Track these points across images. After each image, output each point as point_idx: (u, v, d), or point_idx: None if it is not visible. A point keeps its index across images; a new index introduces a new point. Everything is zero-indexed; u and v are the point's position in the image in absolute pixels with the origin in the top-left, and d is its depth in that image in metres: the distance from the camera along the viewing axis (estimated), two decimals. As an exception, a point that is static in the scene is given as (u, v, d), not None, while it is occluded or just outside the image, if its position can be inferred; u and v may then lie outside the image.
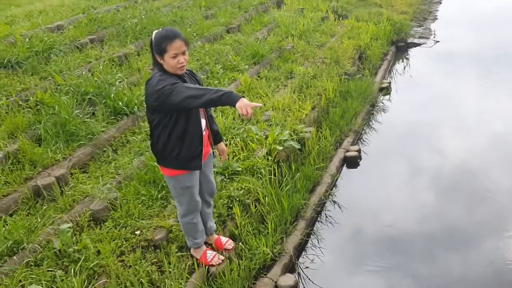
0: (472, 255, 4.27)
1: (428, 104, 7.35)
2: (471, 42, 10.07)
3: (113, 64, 6.75)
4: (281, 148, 5.21)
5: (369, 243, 4.54)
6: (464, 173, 5.52)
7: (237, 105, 2.86)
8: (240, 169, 4.84)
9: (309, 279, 4.10)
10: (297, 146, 5.40)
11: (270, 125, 5.69)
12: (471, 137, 6.28)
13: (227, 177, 4.75)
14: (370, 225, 4.79)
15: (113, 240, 3.87)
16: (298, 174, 5.06)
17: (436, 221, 4.75)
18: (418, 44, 10.11)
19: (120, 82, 6.25)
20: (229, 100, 2.90)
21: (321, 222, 4.83)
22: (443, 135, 6.42)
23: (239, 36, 8.63)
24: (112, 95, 5.74)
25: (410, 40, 10.23)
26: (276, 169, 4.95)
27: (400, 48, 9.99)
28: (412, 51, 9.97)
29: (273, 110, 6.16)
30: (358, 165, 5.83)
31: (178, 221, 3.80)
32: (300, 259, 4.31)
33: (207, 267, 3.69)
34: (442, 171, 5.58)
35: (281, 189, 4.71)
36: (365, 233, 4.70)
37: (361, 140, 6.43)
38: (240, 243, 4.02)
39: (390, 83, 8.07)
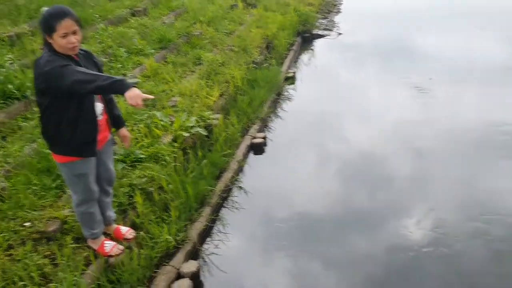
0: (376, 236, 4.45)
1: (331, 93, 7.67)
2: (372, 35, 10.65)
3: (3, 44, 6.19)
4: (187, 134, 5.13)
5: (274, 227, 4.61)
6: (364, 160, 5.75)
7: (127, 94, 2.73)
8: (143, 156, 4.68)
9: (213, 264, 4.09)
10: (204, 132, 5.35)
11: (177, 111, 5.57)
12: (370, 126, 6.61)
13: (129, 164, 4.57)
14: (276, 209, 4.87)
15: (0, 233, 3.56)
16: (205, 161, 5.01)
17: (339, 204, 4.93)
18: (323, 36, 10.49)
19: (11, 63, 5.74)
20: (120, 88, 2.77)
21: (227, 208, 4.83)
22: (345, 123, 6.72)
23: (146, 20, 8.35)
24: (1, 77, 5.26)
25: (315, 31, 10.58)
26: (182, 156, 4.86)
27: (306, 39, 10.29)
28: (317, 42, 10.32)
29: (180, 96, 6.04)
30: (264, 151, 5.92)
31: (74, 211, 3.58)
32: (205, 246, 4.29)
33: (105, 258, 3.54)
34: (344, 158, 5.81)
35: (187, 176, 4.64)
36: (270, 217, 4.78)
37: (267, 127, 6.54)
38: (142, 232, 3.89)
39: (295, 73, 8.29)
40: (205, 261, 4.12)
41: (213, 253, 4.22)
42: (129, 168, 4.53)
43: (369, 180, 5.32)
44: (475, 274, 3.90)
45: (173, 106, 5.73)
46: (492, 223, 4.45)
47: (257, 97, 6.68)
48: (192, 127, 5.23)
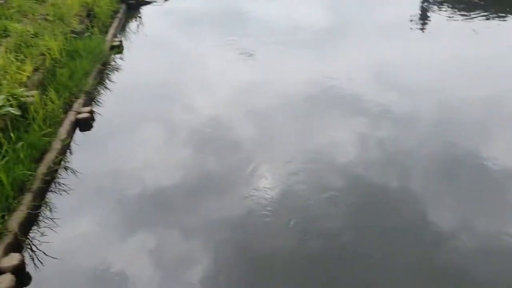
0: (226, 195, 4.52)
1: (162, 61, 7.49)
2: (201, 1, 10.61)
3: None
4: (-5, 115, 4.55)
5: (109, 204, 4.40)
6: (196, 126, 5.72)
7: None
8: None
9: (42, 253, 3.77)
10: (17, 112, 4.79)
11: (-19, 91, 4.88)
12: (203, 92, 6.59)
13: None
14: (109, 186, 4.66)
15: None
16: (21, 143, 4.51)
17: (179, 173, 4.84)
18: (149, 2, 10.13)
19: None
20: None
21: (53, 191, 4.46)
22: (178, 91, 6.59)
23: None
24: None
25: (140, -2, 10.16)
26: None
27: (132, 6, 9.80)
28: (144, 9, 9.94)
29: (-16, 74, 5.30)
30: (92, 127, 5.57)
31: None
32: (31, 235, 3.92)
33: None
34: (180, 126, 5.70)
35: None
36: (104, 194, 4.54)
37: (95, 101, 6.14)
38: None
39: (121, 41, 7.89)
40: (33, 252, 3.78)
41: (41, 241, 3.88)
42: None
43: (202, 145, 5.36)
44: (306, 206, 4.34)
45: (-25, 85, 5.01)
46: (318, 163, 4.94)
47: (79, 69, 6.19)
48: (1, 107, 4.64)
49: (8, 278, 3.26)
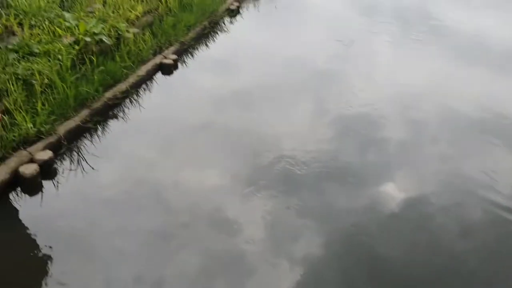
0: None
1: (274, 34, 7.61)
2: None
3: None
4: (89, 39, 5.31)
5: (160, 141, 4.79)
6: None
7: None
8: (38, 51, 4.89)
9: (75, 160, 4.38)
10: (109, 41, 5.52)
11: (89, 17, 5.71)
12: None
13: (21, 55, 4.79)
14: (167, 125, 5.03)
15: None
16: (101, 67, 5.21)
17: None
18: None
19: None
20: None
21: (111, 117, 5.06)
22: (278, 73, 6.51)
23: None
24: None
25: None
26: (76, 58, 5.06)
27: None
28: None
29: (103, 5, 6.16)
30: (172, 73, 6.12)
31: None
32: (74, 143, 4.55)
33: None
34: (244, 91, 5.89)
35: (70, 76, 4.84)
36: (158, 130, 4.93)
37: (187, 52, 6.66)
38: (6, 116, 4.18)
39: (239, 6, 8.33)
40: (71, 156, 4.43)
41: (81, 152, 4.51)
42: (21, 59, 4.76)
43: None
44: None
45: (90, 12, 5.86)
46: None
47: (184, 21, 6.79)
48: (97, 34, 5.39)
49: (33, 167, 3.95)
